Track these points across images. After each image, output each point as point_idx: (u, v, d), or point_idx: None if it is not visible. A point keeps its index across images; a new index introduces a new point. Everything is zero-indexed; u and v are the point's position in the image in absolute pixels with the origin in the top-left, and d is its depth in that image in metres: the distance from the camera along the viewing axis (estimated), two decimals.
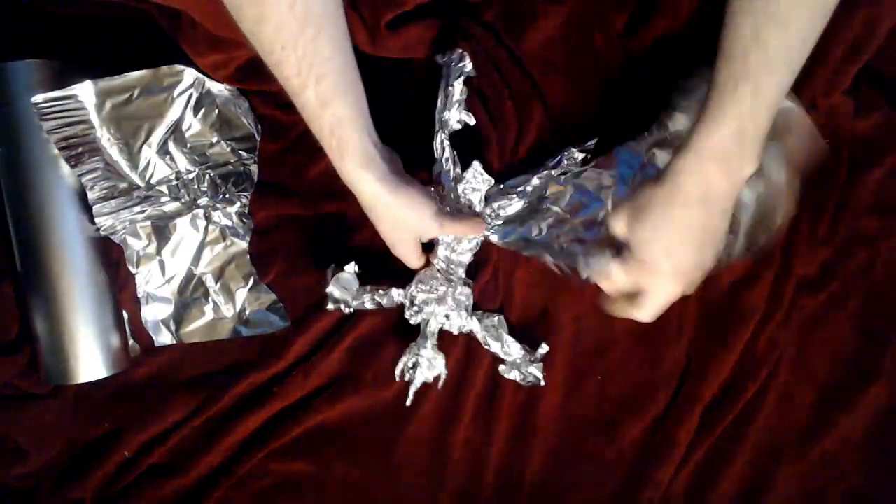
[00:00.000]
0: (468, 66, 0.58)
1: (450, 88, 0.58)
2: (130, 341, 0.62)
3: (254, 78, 0.61)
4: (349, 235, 0.63)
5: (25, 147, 0.56)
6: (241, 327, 0.63)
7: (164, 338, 0.62)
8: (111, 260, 0.61)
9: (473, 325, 0.59)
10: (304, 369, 0.61)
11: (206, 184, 0.62)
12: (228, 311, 0.63)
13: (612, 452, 0.60)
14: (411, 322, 0.59)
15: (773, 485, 0.59)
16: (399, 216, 0.53)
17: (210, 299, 0.63)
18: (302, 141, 0.64)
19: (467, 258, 0.59)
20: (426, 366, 0.59)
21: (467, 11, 0.63)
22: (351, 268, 0.58)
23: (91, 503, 0.60)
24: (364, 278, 0.59)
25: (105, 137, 0.57)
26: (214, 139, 0.62)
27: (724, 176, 0.45)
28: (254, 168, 0.63)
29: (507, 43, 0.62)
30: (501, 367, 0.59)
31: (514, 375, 0.59)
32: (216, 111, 0.61)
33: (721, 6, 0.51)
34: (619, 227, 0.50)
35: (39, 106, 0.54)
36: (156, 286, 0.62)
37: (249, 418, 0.60)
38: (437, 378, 0.59)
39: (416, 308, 0.59)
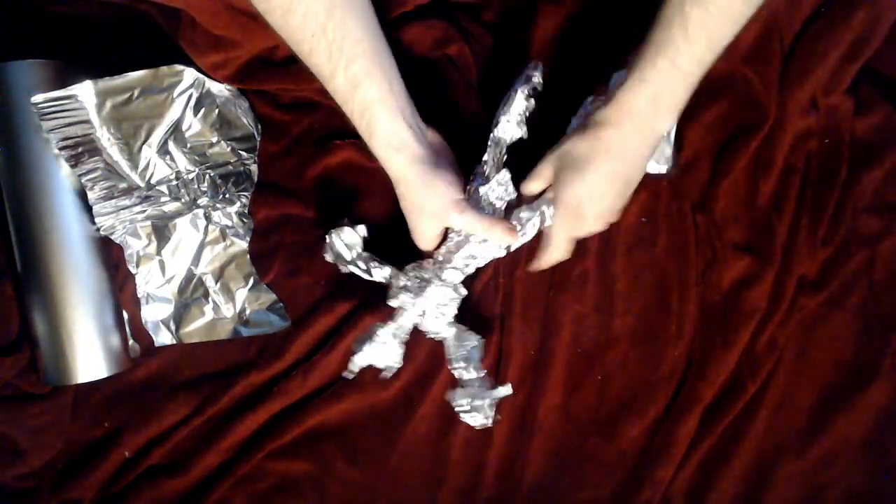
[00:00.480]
0: (536, 76, 0.56)
1: (511, 93, 0.56)
2: (130, 341, 0.62)
3: (254, 78, 0.61)
4: None
5: (25, 147, 0.56)
6: (241, 327, 0.63)
7: (164, 338, 0.62)
8: (111, 260, 0.61)
9: (447, 333, 0.57)
10: (304, 369, 0.61)
11: (206, 184, 0.62)
12: (228, 311, 0.63)
13: (612, 452, 0.60)
14: (389, 304, 0.57)
15: (773, 485, 0.59)
16: (421, 199, 0.53)
17: (210, 299, 0.63)
18: (302, 141, 0.64)
19: (472, 265, 0.57)
20: (378, 349, 0.56)
21: (467, 12, 0.63)
22: (361, 229, 0.58)
23: (91, 503, 0.60)
24: (369, 247, 0.58)
25: (105, 137, 0.57)
26: (214, 139, 0.62)
27: (639, 133, 0.50)
28: (254, 168, 0.63)
29: (508, 43, 0.62)
30: (450, 393, 0.57)
31: (462, 404, 0.56)
32: (216, 111, 0.61)
33: None
34: (546, 172, 0.54)
35: (39, 106, 0.54)
36: (156, 286, 0.62)
37: (249, 418, 0.60)
38: (387, 368, 0.57)
39: (393, 291, 0.57)
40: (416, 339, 0.61)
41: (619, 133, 0.50)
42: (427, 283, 0.56)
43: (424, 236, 0.56)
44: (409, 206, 0.55)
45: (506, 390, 0.56)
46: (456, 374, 0.57)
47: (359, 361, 0.57)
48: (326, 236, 0.58)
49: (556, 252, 0.56)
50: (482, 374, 0.57)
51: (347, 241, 0.57)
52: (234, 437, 0.60)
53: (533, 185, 0.56)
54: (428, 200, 0.53)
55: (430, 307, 0.56)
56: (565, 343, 0.61)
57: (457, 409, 0.56)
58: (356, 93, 0.49)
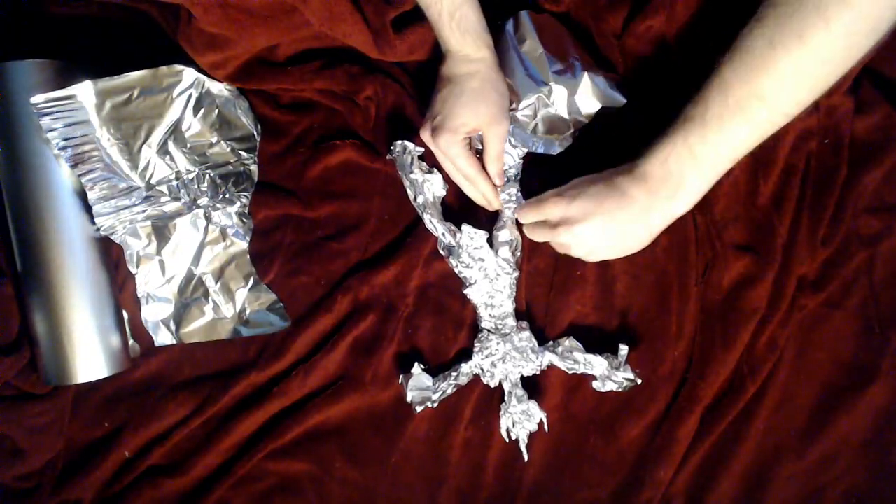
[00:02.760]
0: (414, 149, 0.59)
1: (411, 176, 0.59)
2: (130, 341, 0.62)
3: (254, 78, 0.61)
4: (348, 235, 0.63)
5: (25, 147, 0.56)
6: (241, 327, 0.63)
7: (164, 338, 0.62)
8: (111, 260, 0.61)
9: (548, 359, 0.59)
10: (304, 369, 0.61)
11: (206, 184, 0.62)
12: (228, 311, 0.63)
13: (612, 452, 0.60)
14: (492, 386, 0.59)
15: (773, 485, 0.59)
16: (487, 90, 0.55)
17: (210, 299, 0.63)
18: (302, 141, 0.64)
19: (509, 306, 0.59)
20: (525, 420, 0.58)
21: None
22: (417, 369, 0.59)
23: (91, 503, 0.60)
24: (432, 371, 0.59)
25: (105, 137, 0.57)
26: (214, 139, 0.62)
27: (668, 206, 0.51)
28: (254, 168, 0.63)
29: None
30: (595, 384, 0.58)
31: (609, 386, 0.58)
32: (216, 111, 0.61)
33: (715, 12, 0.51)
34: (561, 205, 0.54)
35: (39, 106, 0.54)
36: (156, 286, 0.62)
37: (249, 418, 0.60)
38: (540, 423, 0.59)
39: (489, 374, 0.59)
40: (414, 339, 0.61)
41: (641, 188, 0.51)
42: (501, 349, 0.59)
43: (456, 126, 0.55)
44: (470, 93, 0.55)
45: (623, 352, 0.58)
46: (584, 374, 0.59)
47: (524, 441, 0.59)
48: (407, 400, 0.59)
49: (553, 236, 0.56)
50: (598, 358, 0.58)
51: (420, 385, 0.59)
52: (234, 437, 0.60)
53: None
54: (497, 93, 0.55)
55: (520, 360, 0.59)
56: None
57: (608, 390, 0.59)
58: None
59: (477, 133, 0.57)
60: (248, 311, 0.63)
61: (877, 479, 0.58)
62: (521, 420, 0.58)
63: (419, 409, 0.59)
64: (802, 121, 0.59)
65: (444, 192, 0.61)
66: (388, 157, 0.60)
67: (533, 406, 0.58)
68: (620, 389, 0.58)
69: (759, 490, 0.59)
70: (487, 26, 0.55)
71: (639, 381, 0.58)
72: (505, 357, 0.59)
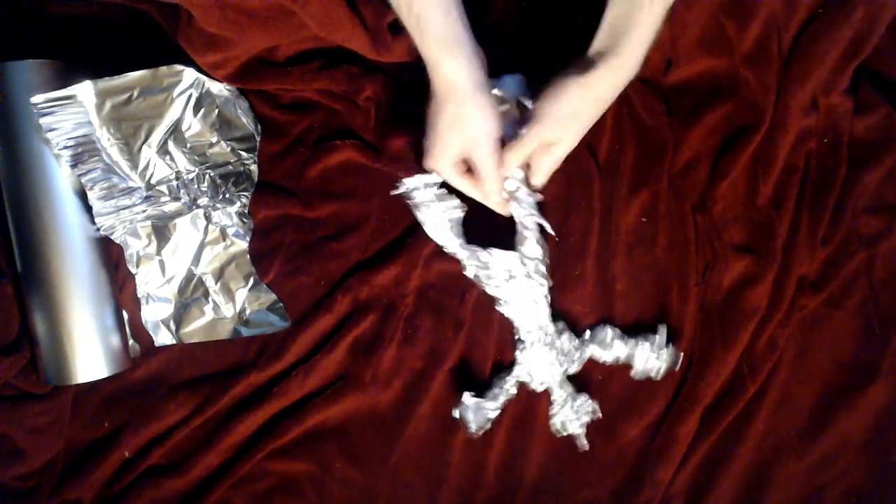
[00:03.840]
0: (423, 180, 0.57)
1: (425, 211, 0.57)
2: (130, 341, 0.62)
3: (254, 78, 0.61)
4: (348, 235, 0.63)
5: (25, 147, 0.56)
6: (241, 327, 0.63)
7: (164, 338, 0.62)
8: (111, 260, 0.61)
9: (589, 352, 0.59)
10: (304, 369, 0.61)
11: (206, 184, 0.62)
12: (228, 311, 0.63)
13: (612, 452, 0.60)
14: (538, 391, 0.59)
15: (773, 485, 0.59)
16: (463, 115, 0.50)
17: (210, 299, 0.63)
18: (302, 141, 0.64)
19: (546, 316, 0.58)
20: (584, 414, 0.58)
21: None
22: (468, 398, 0.58)
23: (91, 503, 0.60)
24: (480, 393, 0.59)
25: (105, 137, 0.57)
26: (214, 139, 0.62)
27: (622, 85, 0.51)
28: (254, 168, 0.63)
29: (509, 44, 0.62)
30: (633, 372, 0.59)
31: (653, 373, 0.58)
32: (216, 111, 0.61)
33: None
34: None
35: (39, 106, 0.54)
36: (156, 286, 0.62)
37: (249, 418, 0.60)
38: (594, 414, 0.59)
39: (538, 381, 0.59)
40: (415, 340, 0.61)
41: (615, 89, 0.51)
42: (546, 357, 0.58)
43: (444, 154, 0.53)
44: (448, 119, 0.51)
45: (662, 332, 0.58)
46: (626, 362, 0.59)
47: (582, 434, 0.59)
48: (470, 431, 0.59)
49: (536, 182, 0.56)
50: (639, 344, 0.58)
51: (475, 411, 0.58)
52: (234, 437, 0.60)
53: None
54: (472, 117, 0.50)
55: (564, 363, 0.59)
56: None
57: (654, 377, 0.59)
58: None
59: (466, 156, 0.54)
60: (248, 311, 0.63)
61: (877, 479, 0.58)
62: (578, 413, 0.58)
63: (481, 433, 0.59)
64: (802, 120, 0.59)
65: (461, 214, 0.58)
66: (393, 192, 0.58)
67: (585, 400, 0.58)
68: (660, 375, 0.58)
69: (759, 490, 0.59)
70: (464, 33, 0.49)
71: (678, 363, 0.58)
72: (553, 363, 0.58)
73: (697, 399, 0.59)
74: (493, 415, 0.59)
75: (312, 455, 0.61)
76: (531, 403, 0.60)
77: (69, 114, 0.55)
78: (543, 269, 0.58)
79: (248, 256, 0.63)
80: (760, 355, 0.59)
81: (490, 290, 0.59)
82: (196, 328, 0.63)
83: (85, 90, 0.55)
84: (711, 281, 0.60)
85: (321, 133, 0.64)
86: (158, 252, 0.62)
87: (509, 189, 0.56)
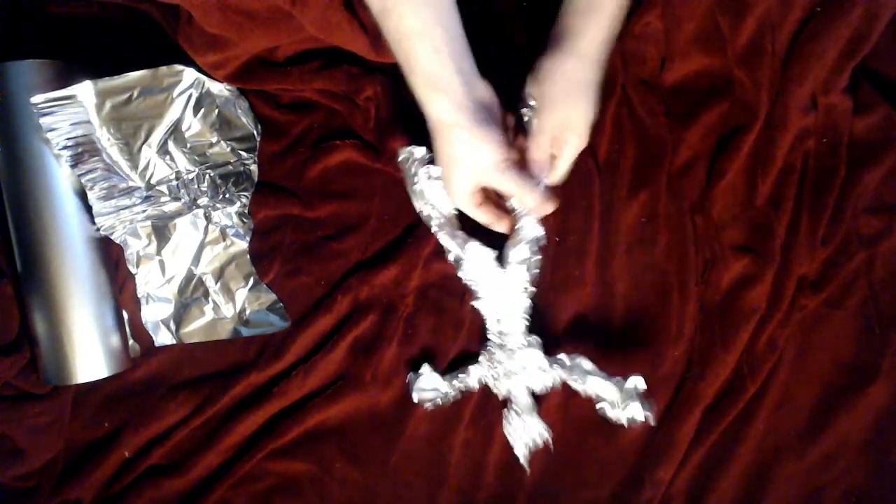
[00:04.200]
0: (424, 155, 0.57)
1: (415, 187, 0.57)
2: (130, 341, 0.62)
3: (254, 78, 0.61)
4: (348, 235, 0.63)
5: (25, 147, 0.56)
6: (241, 327, 0.63)
7: (164, 338, 0.62)
8: (111, 260, 0.61)
9: (557, 375, 0.57)
10: (304, 369, 0.61)
11: (206, 184, 0.62)
12: (228, 311, 0.63)
13: (612, 452, 0.60)
14: (500, 397, 0.58)
15: (773, 485, 0.59)
16: (459, 153, 0.50)
17: (210, 299, 0.63)
18: (302, 141, 0.64)
19: (521, 325, 0.58)
20: (523, 437, 0.57)
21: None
22: (426, 368, 0.58)
23: (91, 503, 0.60)
24: (441, 371, 0.59)
25: (105, 137, 0.57)
26: (214, 139, 0.62)
27: (605, 39, 0.53)
28: (254, 168, 0.63)
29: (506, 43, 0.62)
30: (600, 406, 0.56)
31: (614, 415, 0.56)
32: (216, 111, 0.61)
33: None
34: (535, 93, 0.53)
35: (39, 106, 0.54)
36: (156, 286, 0.62)
37: (249, 418, 0.60)
38: (545, 441, 0.57)
39: (496, 386, 0.58)
40: (415, 340, 0.61)
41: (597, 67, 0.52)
42: (508, 366, 0.57)
43: (459, 192, 0.53)
44: (447, 157, 0.51)
45: (638, 385, 0.55)
46: (592, 395, 0.57)
47: (525, 454, 0.58)
48: (415, 399, 0.59)
49: (564, 169, 0.56)
50: (607, 383, 0.55)
51: (428, 385, 0.58)
52: (234, 437, 0.60)
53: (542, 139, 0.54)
54: (469, 154, 0.50)
55: (528, 376, 0.57)
56: (565, 343, 0.61)
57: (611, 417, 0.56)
58: (389, 18, 0.46)
59: (482, 185, 0.54)
60: (248, 311, 0.63)
61: (877, 479, 0.58)
62: (521, 435, 0.57)
63: (429, 406, 0.58)
64: (800, 120, 0.59)
65: (450, 213, 0.59)
66: (399, 158, 0.59)
67: (537, 423, 0.57)
68: (625, 422, 0.55)
69: (759, 490, 0.59)
70: (453, 71, 0.48)
71: (652, 423, 0.55)
72: (510, 374, 0.57)
73: (697, 399, 0.59)
74: (441, 400, 0.58)
75: (312, 455, 0.61)
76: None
77: (69, 114, 0.55)
78: (528, 274, 0.57)
79: (248, 256, 0.63)
80: (760, 355, 0.59)
81: (464, 278, 0.59)
82: (196, 328, 0.63)
83: (85, 90, 0.55)
84: (711, 281, 0.60)
85: (321, 133, 0.64)
86: (158, 252, 0.62)
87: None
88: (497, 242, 0.59)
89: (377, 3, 0.46)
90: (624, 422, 0.56)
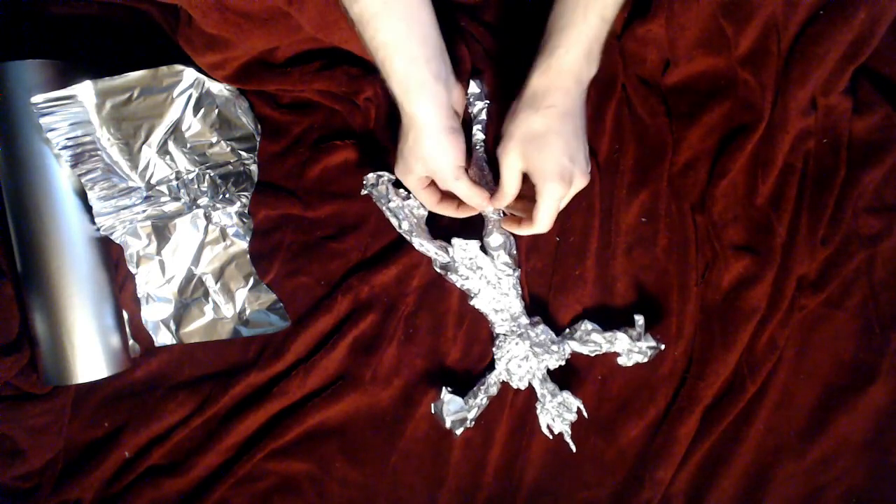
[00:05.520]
0: (388, 177, 0.59)
1: (390, 205, 0.59)
2: (130, 341, 0.62)
3: (253, 78, 0.61)
4: (348, 235, 0.63)
5: (25, 147, 0.56)
6: (241, 327, 0.63)
7: (164, 338, 0.62)
8: (111, 260, 0.61)
9: (569, 347, 0.59)
10: (304, 369, 0.61)
11: (206, 184, 0.62)
12: (228, 311, 0.63)
13: (612, 452, 0.60)
14: (522, 388, 0.59)
15: (773, 485, 0.59)
16: (424, 148, 0.53)
17: (210, 299, 0.63)
18: (302, 141, 0.64)
19: (518, 306, 0.59)
20: (564, 411, 0.58)
21: (466, 12, 0.63)
22: (445, 393, 0.58)
23: (90, 503, 0.60)
24: (460, 392, 0.59)
25: (105, 137, 0.57)
26: (214, 139, 0.62)
27: (577, 85, 0.52)
28: (254, 168, 0.63)
29: (506, 43, 0.62)
30: (619, 360, 0.58)
31: (635, 359, 0.58)
32: (216, 111, 0.61)
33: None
34: (514, 164, 0.53)
35: (39, 106, 0.54)
36: (156, 286, 0.62)
37: (249, 418, 0.60)
38: (578, 410, 0.59)
39: (516, 376, 0.59)
40: (415, 340, 0.61)
41: (565, 94, 0.52)
42: (520, 350, 0.58)
43: (412, 177, 0.56)
44: (412, 154, 0.54)
45: (640, 321, 0.58)
46: (611, 352, 0.59)
47: (568, 432, 0.58)
48: (446, 427, 0.59)
49: (545, 222, 0.54)
50: (619, 333, 0.58)
51: (453, 408, 0.59)
52: (234, 437, 0.60)
53: (510, 185, 0.54)
54: (436, 155, 0.53)
55: (542, 354, 0.58)
56: None
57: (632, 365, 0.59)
58: (365, 31, 0.49)
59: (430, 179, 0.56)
60: (248, 311, 0.63)
61: (877, 479, 0.58)
62: (560, 413, 0.58)
63: (459, 432, 0.59)
64: (801, 120, 0.59)
65: (425, 212, 0.60)
66: (363, 192, 0.60)
67: (568, 396, 0.58)
68: (646, 360, 0.58)
69: (759, 490, 0.59)
70: (429, 77, 0.50)
71: (662, 347, 0.58)
72: (528, 356, 0.58)
73: (697, 399, 0.59)
74: (472, 414, 0.58)
75: (312, 455, 0.61)
76: (531, 404, 0.60)
77: (69, 114, 0.55)
78: (509, 257, 0.59)
79: (248, 256, 0.63)
80: (760, 355, 0.59)
81: (459, 284, 0.59)
82: (196, 328, 0.63)
83: (85, 90, 0.55)
84: (711, 281, 0.60)
85: (321, 133, 0.64)
86: (158, 252, 0.62)
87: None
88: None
89: (354, 14, 0.49)
90: (644, 357, 0.58)
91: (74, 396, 0.61)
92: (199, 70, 0.59)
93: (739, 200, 0.61)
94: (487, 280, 0.58)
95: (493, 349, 0.59)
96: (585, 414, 0.59)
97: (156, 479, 0.60)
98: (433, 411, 0.59)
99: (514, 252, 0.60)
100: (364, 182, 0.59)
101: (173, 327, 0.62)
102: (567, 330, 0.60)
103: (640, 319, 0.58)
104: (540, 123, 0.51)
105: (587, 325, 0.59)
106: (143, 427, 0.61)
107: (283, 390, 0.60)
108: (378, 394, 0.61)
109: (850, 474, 0.58)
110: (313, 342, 0.62)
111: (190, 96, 0.60)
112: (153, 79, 0.58)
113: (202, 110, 0.61)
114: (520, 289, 0.60)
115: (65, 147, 0.55)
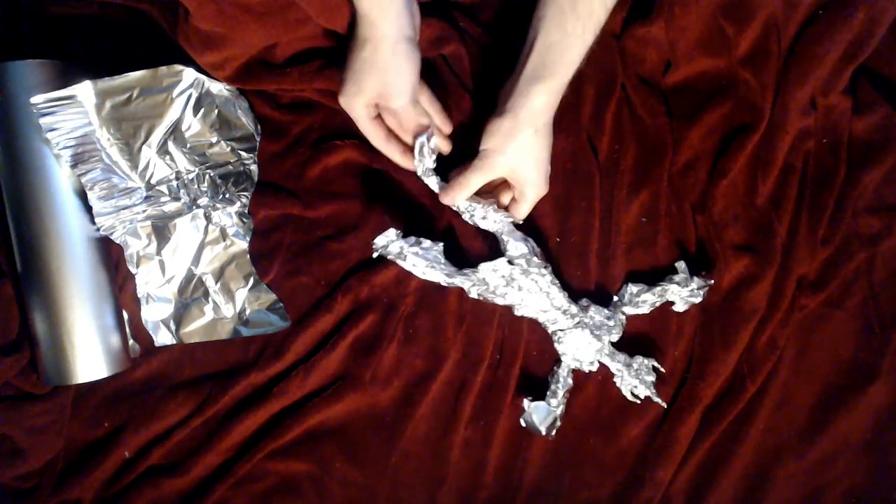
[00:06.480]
0: (394, 234, 0.58)
1: (409, 261, 0.58)
2: (130, 341, 0.62)
3: (253, 78, 0.61)
4: (348, 235, 0.63)
5: (25, 147, 0.56)
6: (241, 327, 0.63)
7: (164, 338, 0.62)
8: (111, 260, 0.61)
9: (623, 315, 0.59)
10: (304, 369, 0.61)
11: (206, 184, 0.62)
12: (228, 311, 0.63)
13: (612, 452, 0.60)
14: (594, 370, 0.59)
15: (773, 485, 0.59)
16: (382, 59, 0.52)
17: (210, 299, 0.63)
18: (302, 141, 0.64)
19: (562, 298, 0.58)
20: (644, 373, 0.58)
21: (465, 11, 0.63)
22: (528, 403, 0.59)
23: (91, 503, 0.60)
24: (539, 395, 0.59)
25: (105, 137, 0.57)
26: (214, 139, 0.62)
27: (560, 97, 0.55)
28: (254, 168, 0.63)
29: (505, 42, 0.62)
30: (676, 307, 0.59)
31: (691, 303, 0.59)
32: (216, 111, 0.61)
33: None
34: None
35: (39, 106, 0.54)
36: (156, 286, 0.62)
37: (249, 418, 0.60)
38: (656, 370, 0.59)
39: (587, 362, 0.59)
40: (415, 340, 0.61)
41: (552, 109, 0.54)
42: (587, 339, 0.59)
43: (362, 99, 0.55)
44: (367, 68, 0.53)
45: (682, 267, 0.59)
46: (673, 301, 0.59)
47: (654, 392, 0.59)
48: (542, 435, 0.59)
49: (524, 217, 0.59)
50: (669, 285, 0.59)
51: (538, 413, 0.59)
52: (234, 437, 0.60)
53: (474, 189, 0.57)
54: (395, 66, 0.53)
55: (607, 333, 0.59)
56: None
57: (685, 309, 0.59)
58: None
59: (378, 102, 0.56)
60: (248, 311, 0.63)
61: (877, 479, 0.58)
62: (640, 377, 0.58)
63: (553, 433, 0.59)
64: (800, 121, 0.59)
65: (441, 246, 0.59)
66: (375, 255, 0.59)
67: (640, 360, 0.59)
68: (701, 299, 0.58)
69: (759, 490, 0.59)
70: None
71: (712, 282, 0.59)
72: (590, 340, 0.58)
73: (697, 399, 0.59)
74: (559, 411, 0.59)
75: (312, 455, 0.61)
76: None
77: (69, 114, 0.55)
78: (536, 259, 0.58)
79: (248, 256, 0.63)
80: (760, 355, 0.59)
81: (500, 302, 0.59)
82: (196, 328, 0.63)
83: (85, 90, 0.55)
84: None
85: (321, 133, 0.64)
86: (158, 252, 0.62)
87: (464, 208, 0.59)
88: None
89: None
90: (699, 298, 0.59)
91: (74, 396, 0.61)
92: (199, 70, 0.59)
93: (740, 200, 0.61)
94: (527, 289, 0.58)
95: (555, 345, 0.59)
96: (662, 369, 0.59)
97: (156, 479, 0.60)
98: (524, 425, 0.59)
99: (538, 249, 0.59)
100: (374, 247, 0.58)
101: (173, 327, 0.62)
102: (615, 299, 0.60)
103: (682, 264, 0.58)
104: (537, 143, 0.55)
105: (632, 288, 0.59)
106: (143, 427, 0.61)
107: (283, 390, 0.60)
108: (378, 394, 0.61)
109: (850, 474, 0.58)
110: (313, 342, 0.62)
111: (190, 96, 0.60)
112: (153, 79, 0.58)
113: (202, 110, 0.61)
114: (558, 281, 0.59)
115: (65, 147, 0.55)
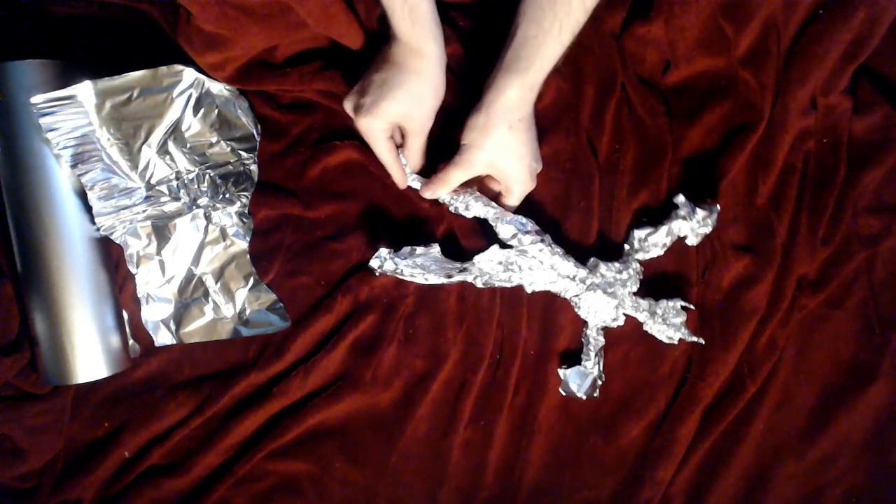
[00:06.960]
0: (387, 253, 0.58)
1: (406, 273, 0.58)
2: (130, 341, 0.62)
3: (253, 78, 0.61)
4: (348, 235, 0.63)
5: (25, 147, 0.56)
6: (241, 327, 0.63)
7: (164, 338, 0.62)
8: (111, 260, 0.61)
9: (637, 263, 0.58)
10: (304, 369, 0.61)
11: (206, 184, 0.62)
12: (228, 311, 0.63)
13: (612, 452, 0.60)
14: (621, 324, 0.59)
15: (773, 485, 0.59)
16: (420, 85, 0.54)
17: (210, 299, 0.63)
18: (302, 141, 0.64)
19: (568, 265, 0.58)
20: (672, 316, 0.58)
21: (463, 10, 0.63)
22: (562, 372, 0.59)
23: (91, 503, 0.60)
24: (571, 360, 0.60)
25: (105, 137, 0.57)
26: (214, 139, 0.62)
27: (537, 92, 0.55)
28: (254, 168, 0.63)
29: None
30: (688, 241, 0.58)
31: (703, 232, 0.58)
32: (216, 111, 0.61)
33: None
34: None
35: (39, 106, 0.54)
36: (156, 286, 0.62)
37: (249, 418, 0.60)
38: (684, 310, 0.59)
39: (611, 318, 0.59)
40: (415, 340, 0.61)
41: (530, 104, 0.55)
42: (611, 301, 0.59)
43: (383, 121, 0.56)
44: (402, 89, 0.54)
45: (679, 199, 0.57)
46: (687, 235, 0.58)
47: (687, 336, 0.59)
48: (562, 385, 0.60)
49: (506, 200, 0.59)
50: (688, 220, 0.58)
51: (579, 379, 0.59)
52: (234, 437, 0.60)
53: (456, 184, 0.58)
54: (430, 91, 0.55)
55: (636, 283, 0.59)
56: (566, 343, 0.61)
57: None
58: None
59: (398, 126, 0.58)
60: (248, 311, 0.63)
61: (877, 479, 0.58)
62: (669, 321, 0.58)
63: (596, 394, 0.59)
64: (801, 120, 0.59)
65: (437, 248, 0.59)
66: (377, 274, 0.59)
67: (665, 303, 0.58)
68: (711, 228, 0.58)
69: (759, 490, 0.59)
70: (438, 20, 0.55)
71: (718, 207, 0.58)
72: (608, 299, 0.58)
73: (697, 399, 0.59)
74: (597, 371, 0.59)
75: (312, 455, 0.61)
76: (532, 402, 0.60)
77: (69, 114, 0.55)
78: (530, 236, 0.58)
79: (248, 256, 0.63)
80: (760, 355, 0.59)
81: (508, 285, 0.59)
82: (196, 328, 0.63)
83: (85, 90, 0.55)
84: (711, 281, 0.60)
85: (321, 133, 0.64)
86: (158, 252, 0.62)
87: (448, 200, 0.59)
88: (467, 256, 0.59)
89: None
90: (709, 227, 0.58)
91: (74, 396, 0.61)
92: (199, 70, 0.59)
93: (740, 200, 0.61)
94: (528, 267, 0.58)
95: (578, 311, 0.59)
96: (691, 306, 0.59)
97: (156, 479, 0.60)
98: (563, 393, 0.59)
99: (530, 224, 0.59)
100: (372, 269, 0.59)
101: (173, 327, 0.62)
102: (626, 247, 0.59)
103: (680, 198, 0.57)
104: (513, 138, 0.55)
105: (639, 233, 0.58)
106: (143, 427, 0.61)
107: (283, 390, 0.60)
108: (378, 394, 0.61)
109: (850, 474, 0.58)
110: (313, 342, 0.62)
111: (190, 96, 0.60)
112: (153, 79, 0.58)
113: (202, 110, 0.61)
114: (560, 248, 0.58)
115: (65, 147, 0.55)
